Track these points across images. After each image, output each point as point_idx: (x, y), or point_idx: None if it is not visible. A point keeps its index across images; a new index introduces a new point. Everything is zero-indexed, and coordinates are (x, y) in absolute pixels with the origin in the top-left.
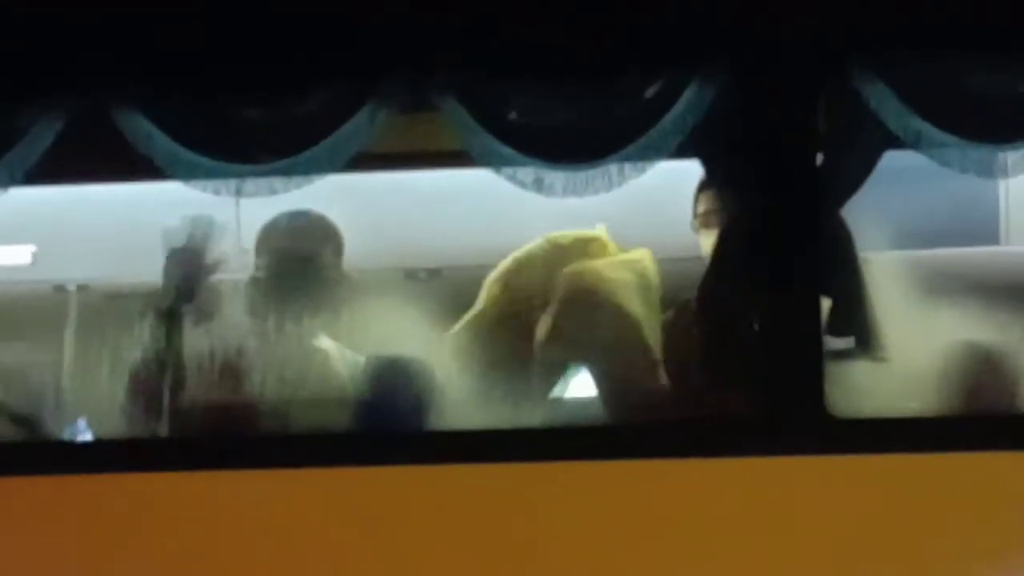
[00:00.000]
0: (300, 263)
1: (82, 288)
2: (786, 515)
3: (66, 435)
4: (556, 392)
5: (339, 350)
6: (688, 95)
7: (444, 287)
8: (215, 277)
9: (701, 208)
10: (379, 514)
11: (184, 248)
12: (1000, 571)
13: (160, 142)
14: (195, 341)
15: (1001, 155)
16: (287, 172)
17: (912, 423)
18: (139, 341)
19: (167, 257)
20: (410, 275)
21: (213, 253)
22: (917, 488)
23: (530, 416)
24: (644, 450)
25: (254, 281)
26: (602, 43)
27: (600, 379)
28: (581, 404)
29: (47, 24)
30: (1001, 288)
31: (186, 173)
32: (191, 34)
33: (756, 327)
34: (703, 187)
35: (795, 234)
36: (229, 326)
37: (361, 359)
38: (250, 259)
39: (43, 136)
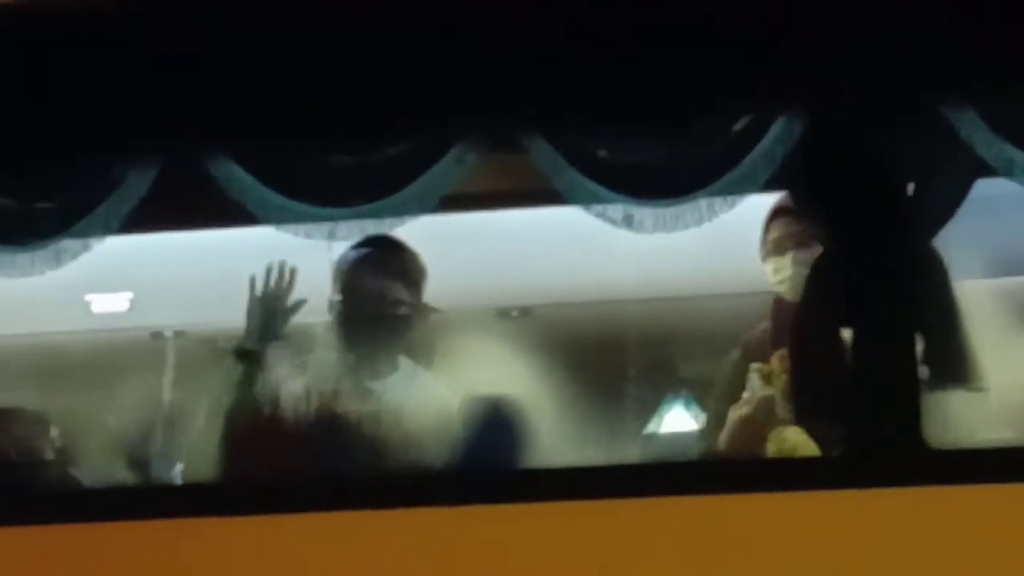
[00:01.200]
0: (378, 297)
1: (179, 334)
2: (884, 547)
3: (164, 479)
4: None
5: (430, 387)
6: (776, 128)
7: (535, 325)
8: (300, 319)
9: (772, 235)
10: (483, 553)
11: (264, 293)
12: None
13: (253, 189)
14: (285, 382)
15: None
16: (378, 215)
17: (1010, 453)
18: (231, 387)
19: (249, 301)
20: (502, 314)
21: (292, 297)
22: (1015, 518)
23: (625, 452)
24: (741, 485)
25: (338, 317)
26: (689, 78)
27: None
28: (671, 440)
29: (142, 75)
30: None
31: (279, 218)
32: (282, 83)
33: (848, 361)
34: (776, 213)
35: (886, 266)
36: (320, 366)
37: (452, 397)
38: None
39: (138, 185)
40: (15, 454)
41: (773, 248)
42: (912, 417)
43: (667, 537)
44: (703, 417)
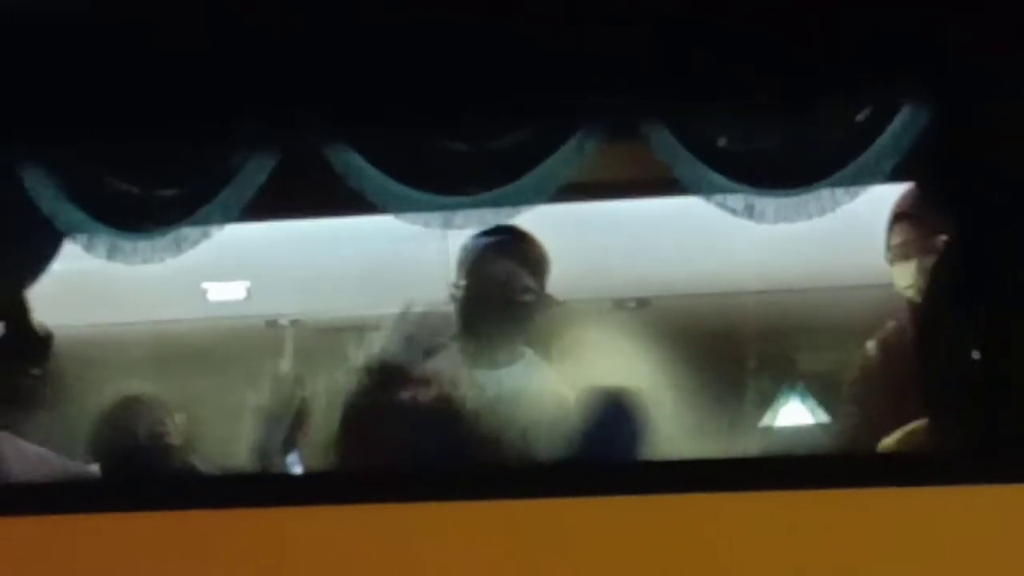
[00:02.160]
0: (502, 281)
1: (294, 322)
2: (1011, 542)
3: (282, 468)
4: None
5: (551, 378)
6: (902, 116)
7: (652, 316)
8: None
9: (896, 240)
10: (596, 544)
11: (410, 338)
12: None
13: (371, 177)
14: (408, 371)
15: None
16: (496, 203)
17: None
18: (350, 375)
19: (397, 334)
20: (619, 305)
21: (434, 343)
22: None
23: (743, 444)
24: (864, 480)
25: (462, 303)
26: (811, 66)
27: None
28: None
29: (261, 65)
30: None
31: (397, 206)
32: (401, 71)
33: (977, 356)
34: (898, 218)
35: (1015, 257)
36: (442, 354)
37: (569, 389)
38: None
39: (258, 173)
40: (143, 439)
41: (898, 254)
42: None
43: (783, 531)
44: (819, 411)
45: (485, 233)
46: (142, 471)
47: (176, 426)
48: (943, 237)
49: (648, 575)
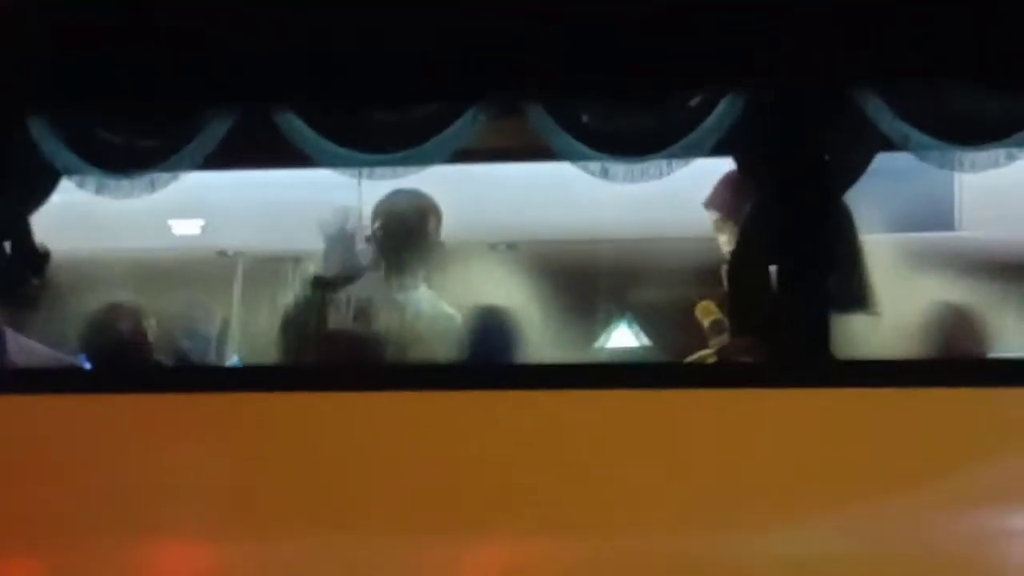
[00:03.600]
0: (406, 227)
1: (239, 254)
2: (800, 437)
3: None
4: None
5: (436, 299)
6: (723, 104)
7: (520, 257)
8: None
9: (713, 216)
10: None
11: (337, 235)
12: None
13: (310, 137)
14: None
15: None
16: (406, 162)
17: (899, 363)
18: (287, 296)
19: (325, 240)
20: (493, 247)
21: (357, 240)
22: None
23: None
24: (689, 382)
25: (377, 244)
26: (657, 60)
27: None
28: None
29: (224, 43)
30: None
31: (329, 162)
32: (336, 53)
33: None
34: (708, 202)
35: (806, 216)
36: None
37: (456, 310)
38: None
39: (218, 130)
40: (126, 336)
41: (715, 227)
42: (823, 334)
43: (622, 424)
44: (641, 336)
45: (394, 193)
46: (126, 361)
47: (152, 327)
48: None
49: (517, 452)
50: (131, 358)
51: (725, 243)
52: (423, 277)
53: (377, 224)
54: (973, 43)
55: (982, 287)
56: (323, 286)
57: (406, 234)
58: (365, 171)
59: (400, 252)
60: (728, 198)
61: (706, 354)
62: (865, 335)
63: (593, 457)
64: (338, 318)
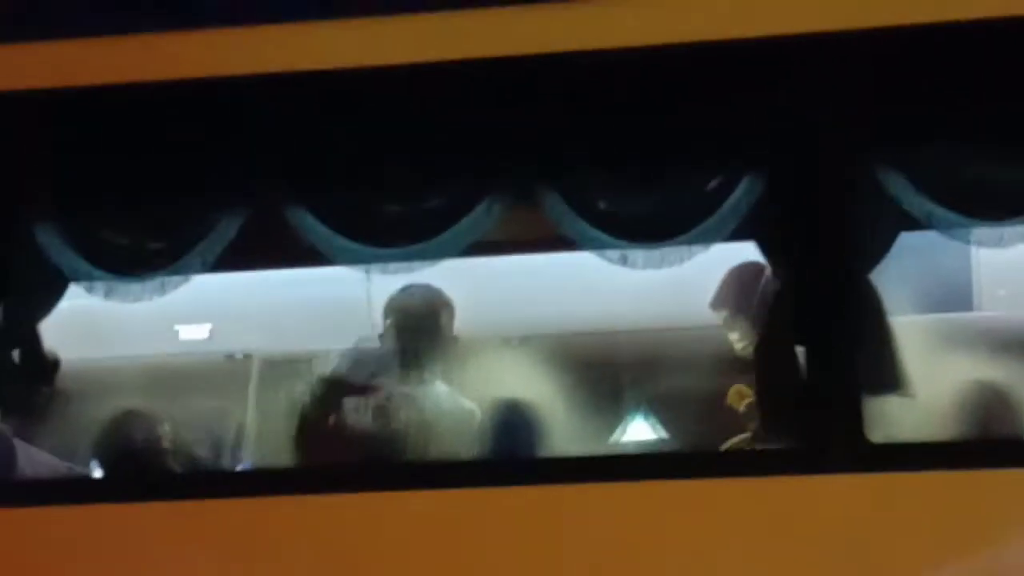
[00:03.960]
0: (419, 323)
1: (247, 357)
2: (834, 525)
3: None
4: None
5: (454, 395)
6: (743, 186)
7: (532, 351)
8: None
9: (722, 315)
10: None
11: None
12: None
13: (322, 233)
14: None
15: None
16: (421, 256)
17: (934, 447)
18: (295, 398)
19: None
20: (505, 342)
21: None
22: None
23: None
24: (719, 471)
25: (381, 339)
26: (672, 145)
27: None
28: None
29: (232, 143)
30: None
31: (343, 258)
32: (347, 149)
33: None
34: (715, 302)
35: (831, 296)
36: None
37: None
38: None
39: (228, 230)
40: (140, 443)
41: (726, 325)
42: (856, 419)
43: (653, 516)
44: (659, 428)
45: (406, 288)
46: (141, 469)
47: (166, 433)
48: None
49: (541, 549)
50: (146, 465)
51: (737, 340)
52: (439, 372)
53: (389, 321)
54: (995, 116)
55: (1007, 366)
56: (336, 386)
57: (419, 330)
58: (375, 266)
59: (414, 348)
60: (734, 294)
61: (744, 438)
62: (899, 417)
63: (623, 551)
64: (354, 417)
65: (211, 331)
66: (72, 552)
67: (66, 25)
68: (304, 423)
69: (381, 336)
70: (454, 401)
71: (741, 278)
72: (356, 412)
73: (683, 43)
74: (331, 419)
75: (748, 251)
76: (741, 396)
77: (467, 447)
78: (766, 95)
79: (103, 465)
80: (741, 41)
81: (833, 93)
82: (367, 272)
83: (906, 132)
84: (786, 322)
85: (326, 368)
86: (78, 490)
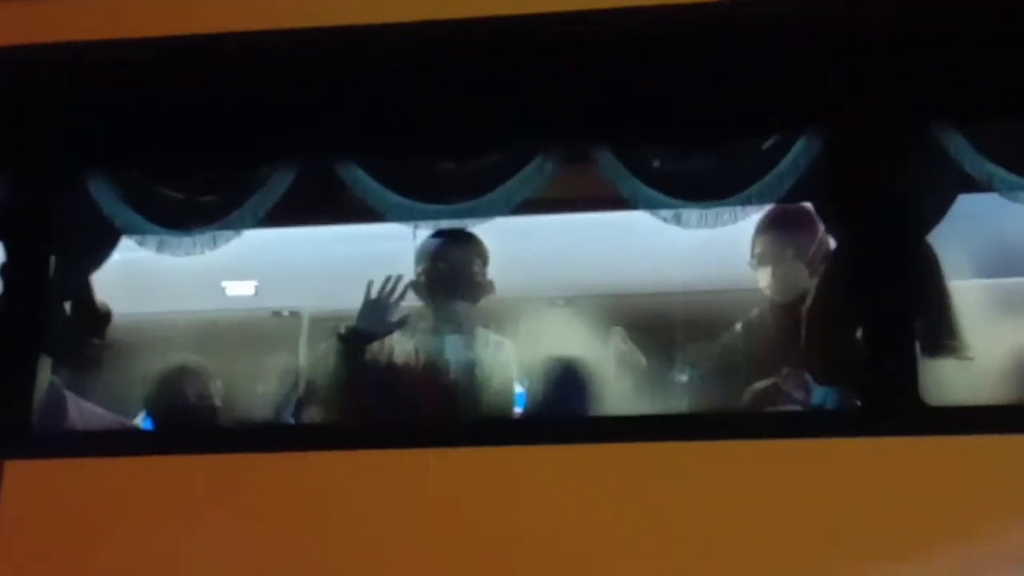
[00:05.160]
0: (451, 269)
1: (294, 314)
2: (889, 487)
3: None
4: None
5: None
6: (798, 146)
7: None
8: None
9: (757, 249)
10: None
11: (376, 298)
12: None
13: (374, 189)
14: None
15: None
16: (471, 214)
17: (994, 410)
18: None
19: (363, 302)
20: (551, 302)
21: (399, 310)
22: (995, 464)
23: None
24: (777, 432)
25: (415, 286)
26: (728, 104)
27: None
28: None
29: (285, 99)
30: None
31: (395, 215)
32: (398, 106)
33: (860, 335)
34: (758, 232)
35: (889, 258)
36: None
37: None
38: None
39: (279, 185)
40: (192, 398)
41: (758, 261)
42: (912, 380)
43: (699, 477)
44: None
45: (437, 234)
46: (191, 423)
47: (218, 390)
48: (792, 249)
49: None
50: (197, 419)
51: (776, 284)
52: (479, 320)
53: (420, 269)
54: None
55: None
56: (371, 335)
57: (452, 275)
58: (423, 223)
59: (446, 293)
60: (788, 237)
61: (769, 384)
62: (955, 380)
63: (675, 511)
64: (391, 365)
65: (256, 288)
66: (119, 502)
67: None
68: (344, 374)
69: (414, 283)
70: (485, 338)
71: (795, 223)
72: (393, 359)
73: (737, 1)
74: (370, 369)
75: None
76: None
77: (501, 382)
78: (821, 55)
79: (155, 418)
80: (796, 2)
81: (893, 48)
82: (415, 228)
83: (964, 90)
84: (843, 282)
85: (362, 317)
86: (130, 442)
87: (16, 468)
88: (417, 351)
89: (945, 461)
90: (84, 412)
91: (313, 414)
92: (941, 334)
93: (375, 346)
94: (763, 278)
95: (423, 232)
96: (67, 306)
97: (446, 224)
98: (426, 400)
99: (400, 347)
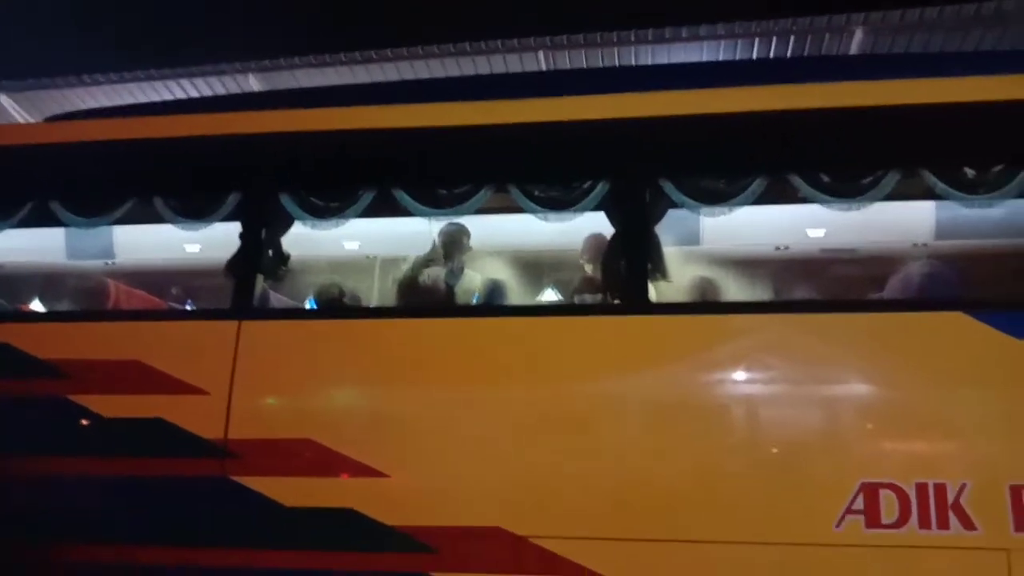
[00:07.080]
0: (452, 240)
1: (372, 257)
2: (633, 347)
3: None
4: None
5: (470, 274)
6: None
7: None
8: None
9: (583, 258)
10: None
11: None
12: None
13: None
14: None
15: None
16: (458, 213)
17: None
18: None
19: (431, 247)
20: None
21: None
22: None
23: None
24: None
25: (434, 249)
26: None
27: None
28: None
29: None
30: None
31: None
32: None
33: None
34: (582, 252)
35: (637, 239)
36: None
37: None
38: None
39: (368, 196)
40: (337, 295)
41: (586, 259)
42: (645, 288)
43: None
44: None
45: (446, 223)
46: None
47: (346, 292)
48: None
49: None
50: (337, 304)
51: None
52: (465, 264)
53: (439, 240)
54: None
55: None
56: (417, 267)
57: (452, 244)
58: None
59: (450, 253)
60: (594, 248)
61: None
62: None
63: (545, 358)
64: (426, 282)
65: (359, 244)
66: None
67: None
68: (403, 285)
69: (434, 247)
70: (470, 277)
71: (598, 240)
72: (427, 279)
73: None
74: (415, 282)
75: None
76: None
77: (475, 294)
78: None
79: (317, 303)
80: None
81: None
82: (428, 218)
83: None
84: (617, 258)
85: (412, 262)
86: (304, 314)
87: (249, 327)
88: (437, 278)
89: (661, 336)
90: (131, 296)
91: (384, 302)
92: (658, 271)
93: (419, 274)
94: (584, 267)
95: (436, 223)
96: (270, 252)
97: (447, 219)
98: (442, 298)
99: (430, 275)
